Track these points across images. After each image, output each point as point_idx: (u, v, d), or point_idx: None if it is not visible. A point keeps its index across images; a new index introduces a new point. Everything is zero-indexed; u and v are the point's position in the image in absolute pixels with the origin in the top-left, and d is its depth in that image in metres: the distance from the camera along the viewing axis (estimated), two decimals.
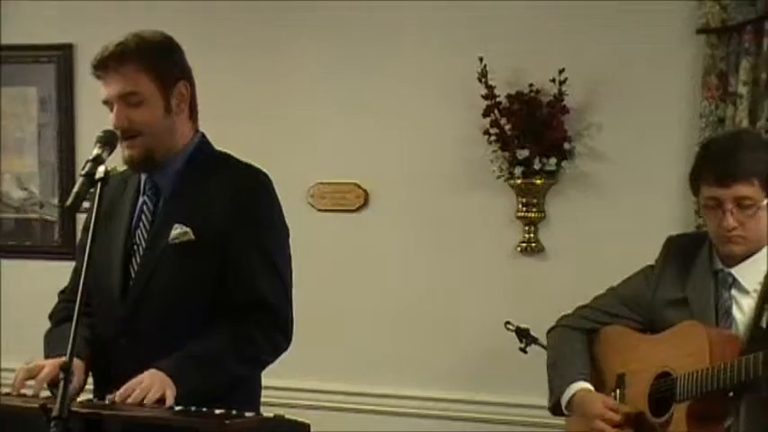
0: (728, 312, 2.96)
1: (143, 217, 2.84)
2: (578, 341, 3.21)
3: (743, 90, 3.96)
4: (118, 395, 2.56)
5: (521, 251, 4.44)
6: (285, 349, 2.83)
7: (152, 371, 2.60)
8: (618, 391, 3.11)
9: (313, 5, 4.64)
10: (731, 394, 2.82)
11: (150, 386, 2.55)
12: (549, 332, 3.35)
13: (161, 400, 2.54)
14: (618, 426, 3.01)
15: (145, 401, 2.52)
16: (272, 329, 2.79)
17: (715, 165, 2.90)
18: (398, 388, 4.57)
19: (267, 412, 2.48)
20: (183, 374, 2.61)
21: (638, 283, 3.18)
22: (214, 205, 2.77)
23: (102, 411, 2.45)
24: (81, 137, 5.01)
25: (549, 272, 4.40)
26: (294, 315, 2.84)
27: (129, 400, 2.53)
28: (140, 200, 2.86)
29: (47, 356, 2.76)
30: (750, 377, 2.73)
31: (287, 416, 2.40)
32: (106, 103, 2.77)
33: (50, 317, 2.99)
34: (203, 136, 2.91)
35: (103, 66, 2.75)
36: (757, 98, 3.96)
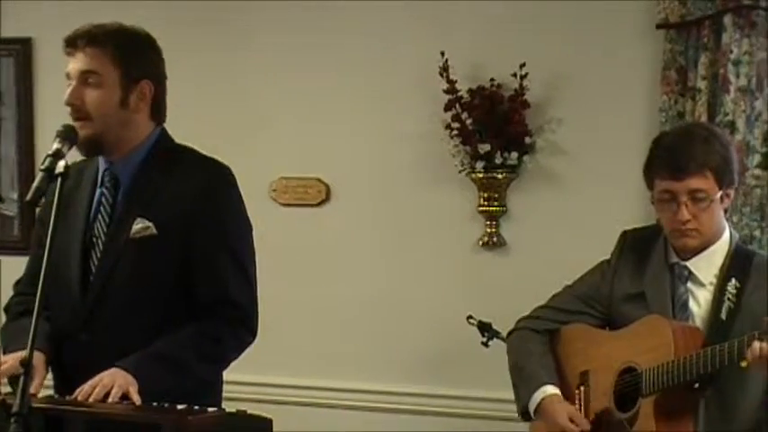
0: (685, 305, 2.98)
1: (101, 209, 2.81)
2: (540, 343, 3.21)
3: (702, 85, 3.99)
4: (80, 392, 2.53)
5: (482, 245, 4.45)
6: (250, 344, 2.83)
7: (114, 369, 2.58)
8: (582, 388, 3.12)
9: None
10: (696, 386, 2.84)
11: (112, 383, 2.53)
12: (508, 335, 3.35)
13: (124, 398, 2.52)
14: None
15: (109, 399, 2.50)
16: (238, 326, 2.78)
17: (668, 158, 2.92)
18: (360, 382, 4.57)
19: (229, 407, 2.47)
20: (146, 372, 2.60)
21: (594, 279, 3.19)
22: (177, 200, 2.75)
23: (63, 408, 2.44)
24: (40, 131, 4.97)
25: (510, 266, 4.41)
26: (258, 310, 2.84)
27: (91, 398, 2.51)
28: (98, 191, 2.83)
29: (5, 351, 2.73)
30: (716, 367, 2.75)
31: (249, 411, 2.40)
32: (67, 76, 2.75)
33: (6, 310, 2.96)
34: (163, 129, 2.89)
35: (74, 42, 2.75)
36: (716, 93, 3.99)
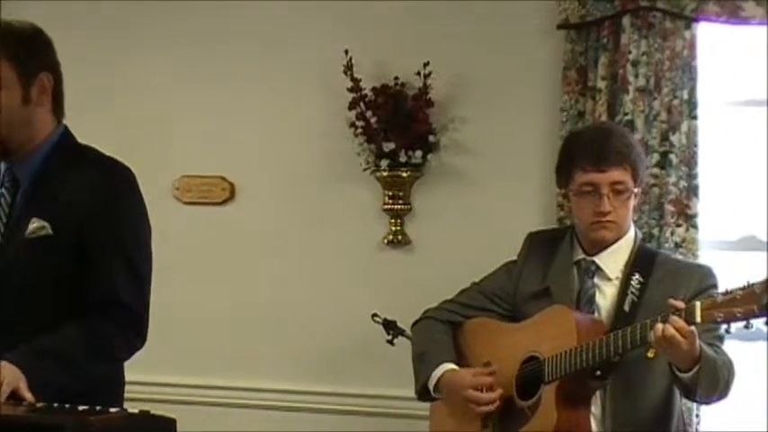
0: (592, 299, 3.04)
1: (0, 210, 2.76)
2: (443, 332, 3.25)
3: (601, 85, 4.06)
4: None
5: (387, 243, 4.47)
6: (139, 348, 2.78)
7: (2, 362, 2.52)
8: None
9: None
10: (598, 373, 2.90)
11: (1, 379, 2.47)
12: (413, 325, 3.38)
13: (14, 395, 2.47)
14: (490, 389, 3.05)
15: None
16: (124, 327, 2.73)
17: (590, 151, 2.99)
18: (265, 381, 4.55)
19: (132, 408, 2.44)
20: (34, 366, 2.54)
21: (500, 278, 3.25)
22: (74, 200, 2.71)
23: None
24: None
25: (415, 264, 4.44)
26: (151, 312, 2.79)
27: None
28: None
29: None
30: (618, 352, 2.81)
31: (152, 411, 2.38)
32: None
33: None
34: (66, 129, 2.84)
35: None
36: (615, 93, 4.05)
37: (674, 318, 2.69)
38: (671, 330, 2.68)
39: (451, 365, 3.14)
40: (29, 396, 2.48)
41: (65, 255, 2.70)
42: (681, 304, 2.71)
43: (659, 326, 2.70)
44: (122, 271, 2.73)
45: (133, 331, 2.76)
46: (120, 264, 2.73)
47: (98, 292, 2.71)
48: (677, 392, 2.96)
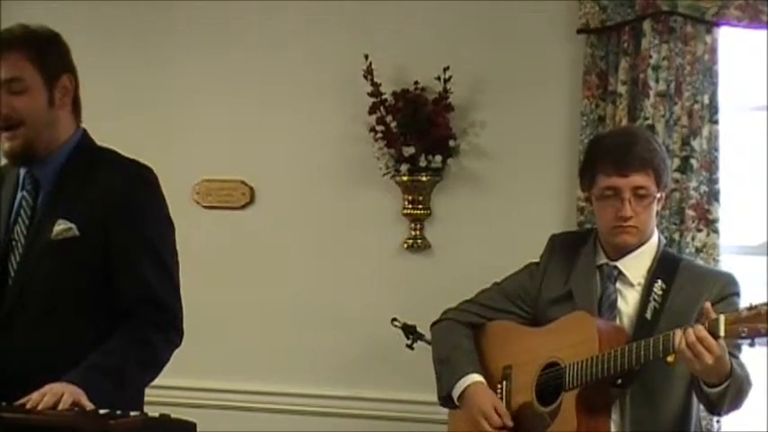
0: (613, 305, 3.02)
1: (22, 212, 2.77)
2: (465, 335, 3.23)
3: (622, 89, 4.05)
4: (29, 400, 2.45)
5: (407, 248, 4.47)
6: (178, 346, 2.79)
7: (61, 382, 2.51)
8: (504, 383, 3.14)
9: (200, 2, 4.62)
10: (619, 382, 2.89)
11: (62, 392, 2.47)
12: (433, 325, 3.36)
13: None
14: (499, 429, 3.05)
15: (60, 405, 2.43)
16: (166, 328, 2.75)
17: (614, 156, 2.97)
18: (285, 385, 4.55)
19: (152, 412, 2.45)
20: (92, 387, 2.53)
21: (522, 280, 3.22)
22: (98, 201, 2.72)
23: None
24: None
25: (434, 268, 4.43)
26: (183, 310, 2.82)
27: (41, 406, 2.43)
28: (19, 195, 2.79)
29: None
30: (641, 361, 2.79)
31: (173, 415, 2.38)
32: None
33: None
34: (85, 131, 2.86)
35: None
36: (636, 97, 4.05)
37: (699, 327, 2.67)
38: (692, 337, 2.66)
39: (477, 377, 3.13)
40: (90, 407, 2.47)
41: (91, 256, 2.71)
42: (713, 313, 2.68)
43: (680, 335, 2.68)
44: (153, 269, 2.74)
45: (173, 329, 2.77)
46: (150, 262, 2.74)
47: (132, 293, 2.71)
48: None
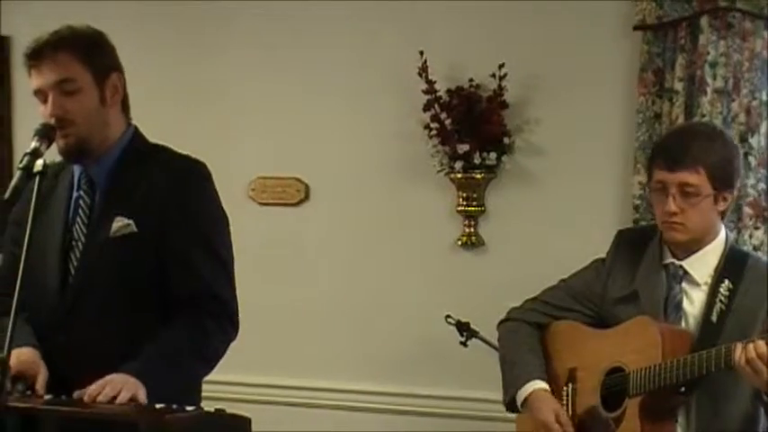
0: (679, 305, 2.96)
1: (80, 212, 2.80)
2: (530, 336, 3.20)
3: (678, 86, 4.02)
4: (87, 393, 2.50)
5: (461, 245, 4.47)
6: (233, 339, 2.82)
7: (120, 374, 2.54)
8: (570, 386, 3.12)
9: None
10: (683, 389, 2.85)
11: (122, 384, 2.50)
12: (499, 325, 3.31)
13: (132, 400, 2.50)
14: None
15: (117, 400, 2.47)
16: (222, 320, 2.77)
17: (666, 150, 2.94)
18: (339, 382, 4.57)
19: (208, 406, 2.47)
20: (151, 376, 2.57)
21: (588, 277, 3.17)
22: (153, 196, 2.75)
23: (39, 407, 2.43)
24: (18, 130, 4.95)
25: (488, 265, 4.43)
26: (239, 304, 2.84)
27: (100, 398, 2.47)
28: (75, 195, 2.82)
29: None
30: (703, 372, 2.76)
31: (228, 410, 2.40)
32: (38, 93, 2.73)
33: None
34: (136, 128, 2.89)
35: (38, 54, 2.72)
36: (693, 94, 4.01)
37: (760, 343, 2.63)
38: (752, 353, 2.62)
39: (541, 384, 3.10)
40: (145, 401, 2.50)
41: (148, 252, 2.74)
42: None
43: (740, 350, 2.64)
44: (209, 263, 2.77)
45: (228, 322, 2.79)
46: (206, 257, 2.77)
47: (188, 287, 2.74)
48: None
